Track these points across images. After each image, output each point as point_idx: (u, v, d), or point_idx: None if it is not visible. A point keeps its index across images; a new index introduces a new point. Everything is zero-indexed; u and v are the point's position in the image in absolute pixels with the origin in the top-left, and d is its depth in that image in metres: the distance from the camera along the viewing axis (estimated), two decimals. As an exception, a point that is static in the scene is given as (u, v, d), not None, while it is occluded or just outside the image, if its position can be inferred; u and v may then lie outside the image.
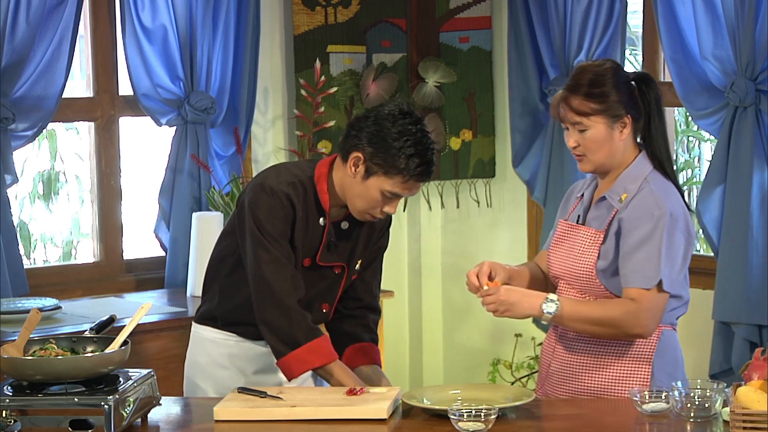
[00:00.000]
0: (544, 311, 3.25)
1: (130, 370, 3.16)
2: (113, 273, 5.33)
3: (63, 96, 5.02)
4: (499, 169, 5.97)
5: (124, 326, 3.17)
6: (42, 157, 6.20)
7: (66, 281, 5.19)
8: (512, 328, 5.75)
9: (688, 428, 2.99)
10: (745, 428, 2.84)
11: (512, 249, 5.88)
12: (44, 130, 5.12)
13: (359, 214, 3.37)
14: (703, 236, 5.28)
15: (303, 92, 5.59)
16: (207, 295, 3.60)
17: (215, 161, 5.41)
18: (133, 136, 5.59)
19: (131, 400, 3.03)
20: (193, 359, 3.62)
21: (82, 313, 4.70)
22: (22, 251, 4.98)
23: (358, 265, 3.53)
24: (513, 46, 5.63)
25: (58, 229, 6.27)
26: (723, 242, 4.82)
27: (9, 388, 3.04)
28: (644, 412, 3.08)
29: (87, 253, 5.74)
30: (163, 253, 5.39)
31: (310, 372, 3.53)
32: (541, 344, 3.65)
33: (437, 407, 3.12)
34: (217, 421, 3.13)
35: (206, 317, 3.59)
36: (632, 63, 6.10)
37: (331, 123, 5.62)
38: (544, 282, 3.56)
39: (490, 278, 3.34)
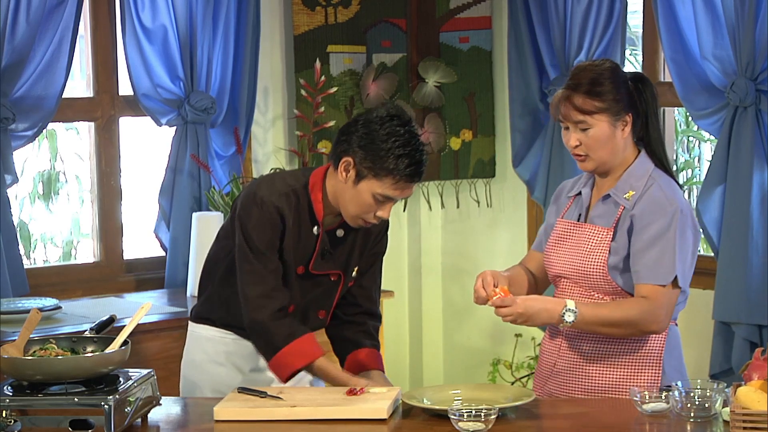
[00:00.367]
0: (565, 320, 3.26)
1: (130, 370, 3.16)
2: (113, 273, 5.33)
3: (63, 96, 5.02)
4: (499, 169, 5.97)
5: (124, 326, 3.17)
6: (42, 157, 6.20)
7: (66, 281, 5.19)
8: (512, 328, 5.75)
9: (688, 428, 2.99)
10: (745, 428, 2.84)
11: (512, 249, 5.88)
12: (44, 130, 5.12)
13: (352, 220, 3.37)
14: (703, 236, 5.28)
15: (303, 92, 5.59)
16: (203, 295, 3.61)
17: (215, 161, 5.41)
18: (133, 136, 5.59)
19: (131, 400, 3.04)
20: (190, 357, 3.63)
21: (82, 313, 4.70)
22: (22, 251, 4.98)
23: (354, 272, 3.53)
24: (513, 46, 5.63)
25: (58, 229, 6.27)
26: (723, 242, 4.82)
27: (9, 388, 3.04)
28: (644, 412, 3.08)
29: (87, 253, 5.74)
30: (163, 253, 5.39)
31: (304, 372, 3.55)
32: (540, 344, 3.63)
33: (437, 407, 3.12)
34: (217, 421, 3.13)
35: (202, 316, 3.60)
36: (632, 63, 6.10)
37: (331, 123, 5.62)
38: (534, 285, 3.58)
39: (495, 285, 3.35)
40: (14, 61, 4.83)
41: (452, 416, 2.96)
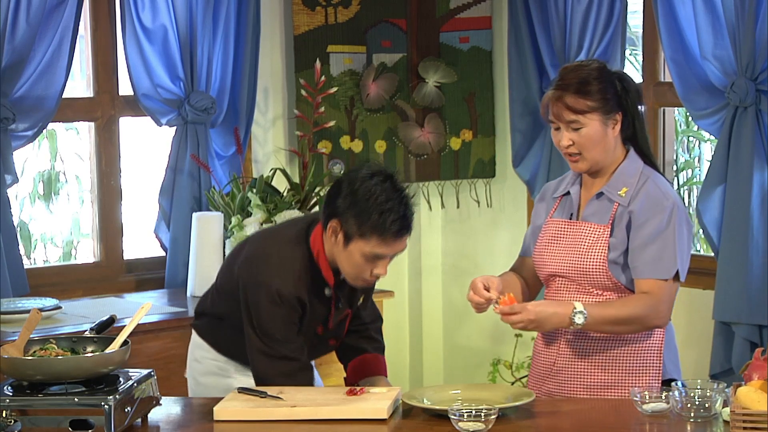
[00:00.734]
0: (575, 322, 3.27)
1: (130, 370, 3.16)
2: (113, 273, 5.33)
3: (63, 96, 5.02)
4: (499, 169, 5.97)
5: (124, 326, 3.17)
6: (42, 157, 6.20)
7: (66, 281, 5.19)
8: (512, 329, 5.74)
9: (688, 428, 3.00)
10: (745, 428, 2.84)
11: (512, 249, 5.83)
12: (44, 130, 5.12)
13: (352, 280, 3.36)
14: (703, 236, 5.28)
15: (303, 92, 5.59)
16: (204, 319, 3.59)
17: (215, 161, 5.40)
18: (133, 136, 5.59)
19: (131, 400, 3.03)
20: (193, 356, 3.65)
21: (82, 313, 4.70)
22: (22, 251, 4.98)
23: (360, 300, 3.55)
24: (513, 46, 5.63)
25: (58, 229, 6.27)
26: (723, 242, 4.82)
27: (9, 388, 3.04)
28: (644, 412, 3.09)
29: (87, 253, 5.73)
30: (163, 253, 5.38)
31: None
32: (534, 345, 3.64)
33: (437, 407, 3.12)
34: (217, 421, 3.14)
35: (203, 334, 3.59)
36: (632, 63, 6.09)
37: (332, 123, 5.62)
38: (527, 291, 3.60)
39: (486, 289, 3.34)
40: (14, 61, 4.83)
41: (452, 416, 2.96)
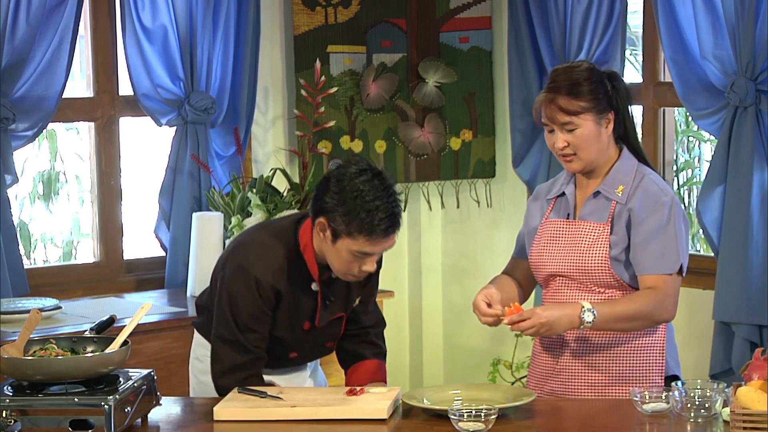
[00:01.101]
0: (585, 320, 3.28)
1: (130, 370, 3.16)
2: (113, 273, 5.33)
3: (63, 96, 5.02)
4: (499, 169, 5.97)
5: (124, 326, 3.17)
6: (42, 157, 6.20)
7: (66, 281, 5.19)
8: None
9: (688, 428, 3.00)
10: (745, 428, 2.84)
11: (512, 249, 5.85)
12: (44, 130, 5.12)
13: (341, 275, 3.35)
14: (703, 236, 5.28)
15: (303, 92, 5.59)
16: (203, 316, 3.58)
17: (215, 161, 5.40)
18: (133, 136, 5.59)
19: (131, 400, 3.03)
20: (195, 355, 3.65)
21: (82, 313, 4.70)
22: (22, 251, 4.98)
23: (356, 302, 3.53)
24: (513, 46, 5.63)
25: (58, 229, 6.27)
26: (723, 242, 4.82)
27: (9, 388, 3.04)
28: (644, 412, 3.09)
29: (87, 253, 5.73)
30: (163, 253, 5.38)
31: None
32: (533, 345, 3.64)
33: (437, 407, 3.12)
34: (217, 421, 3.14)
35: (203, 331, 3.60)
36: (632, 63, 6.09)
37: (332, 123, 5.62)
38: (522, 295, 3.60)
39: (489, 304, 3.34)
40: (14, 61, 4.83)
41: (452, 416, 2.96)
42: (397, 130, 5.94)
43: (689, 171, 6.74)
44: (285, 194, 5.32)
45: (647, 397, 3.10)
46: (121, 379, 3.09)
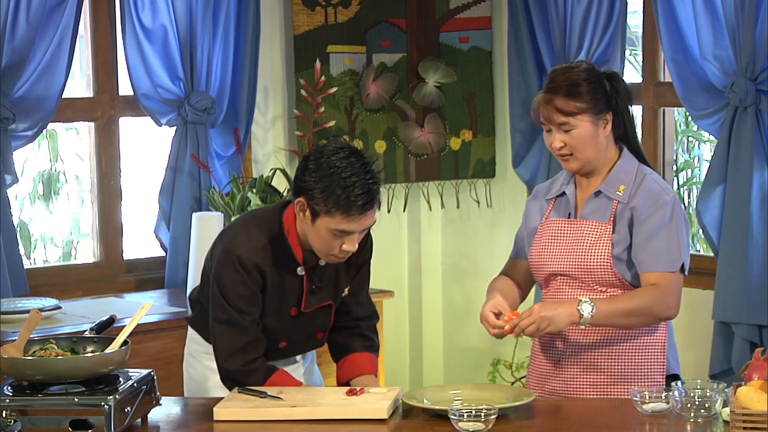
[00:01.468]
0: (583, 312, 3.28)
1: (130, 370, 3.16)
2: (113, 273, 5.33)
3: (63, 96, 5.02)
4: (499, 169, 5.97)
5: (124, 326, 3.17)
6: (42, 157, 6.20)
7: (66, 281, 5.19)
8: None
9: (688, 428, 3.00)
10: (745, 428, 2.84)
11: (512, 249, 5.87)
12: (44, 130, 5.12)
13: (324, 256, 3.35)
14: (703, 236, 5.28)
15: (303, 92, 5.59)
16: (196, 309, 3.59)
17: (215, 161, 5.40)
18: (133, 136, 5.59)
19: (131, 400, 3.03)
20: (188, 350, 3.65)
21: (82, 313, 4.70)
22: (22, 251, 4.98)
23: (345, 292, 3.53)
24: (513, 46, 5.63)
25: (58, 229, 6.27)
26: (723, 242, 4.82)
27: (9, 388, 3.04)
28: (644, 412, 3.09)
29: (87, 253, 5.74)
30: (163, 253, 5.39)
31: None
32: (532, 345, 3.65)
33: (437, 407, 3.12)
34: (217, 421, 3.14)
35: (195, 325, 3.60)
36: (632, 63, 6.10)
37: (331, 123, 5.62)
38: (522, 297, 3.60)
39: (497, 317, 3.35)
40: (14, 61, 4.83)
41: (452, 416, 2.96)
42: (397, 130, 5.94)
43: (689, 171, 6.74)
44: (285, 194, 5.32)
45: (647, 397, 3.10)
46: (121, 379, 3.09)
